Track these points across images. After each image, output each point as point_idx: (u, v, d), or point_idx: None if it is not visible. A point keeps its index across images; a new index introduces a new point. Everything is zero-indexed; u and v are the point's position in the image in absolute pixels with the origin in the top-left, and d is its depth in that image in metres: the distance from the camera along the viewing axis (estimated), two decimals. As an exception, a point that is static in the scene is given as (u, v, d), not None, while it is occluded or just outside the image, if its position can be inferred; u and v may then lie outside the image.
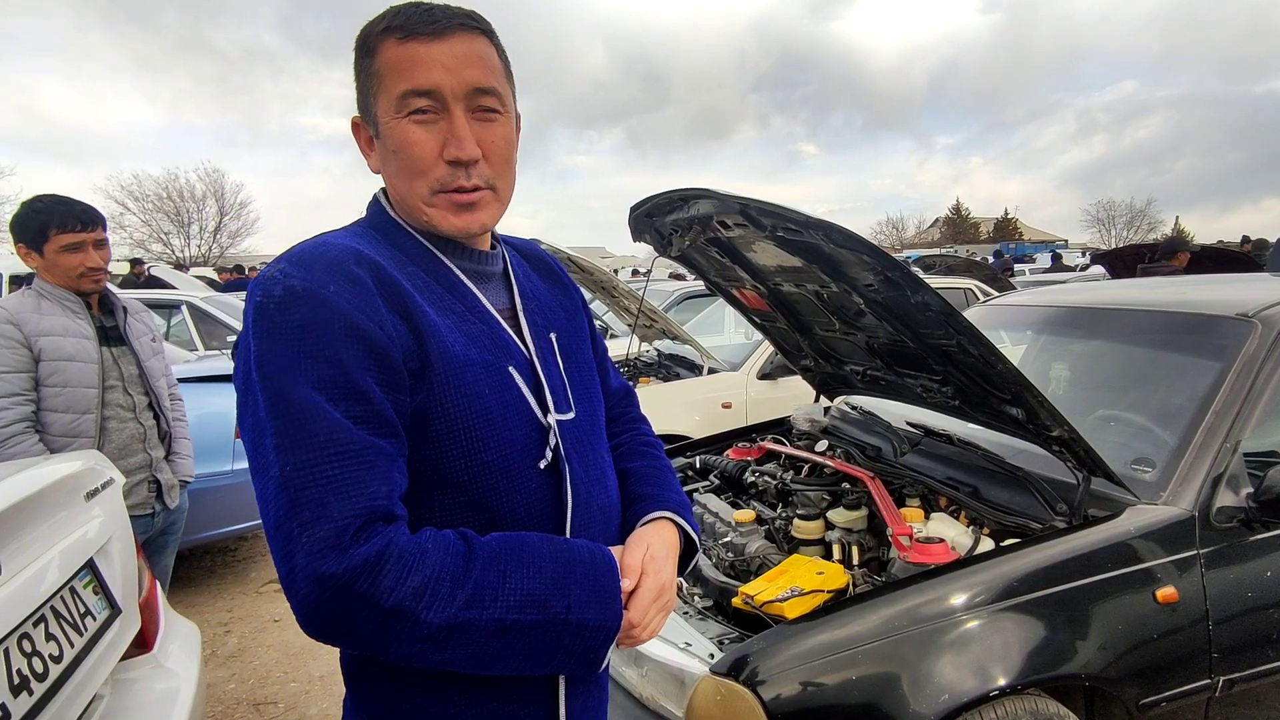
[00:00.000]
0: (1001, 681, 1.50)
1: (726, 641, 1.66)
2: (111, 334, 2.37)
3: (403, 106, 0.88)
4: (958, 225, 56.73)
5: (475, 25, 0.91)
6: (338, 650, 0.93)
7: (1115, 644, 1.61)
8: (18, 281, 6.07)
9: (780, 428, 3.03)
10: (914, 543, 1.81)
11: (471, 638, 0.79)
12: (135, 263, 11.97)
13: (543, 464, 0.93)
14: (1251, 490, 1.79)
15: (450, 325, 0.91)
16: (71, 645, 1.49)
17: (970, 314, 3.05)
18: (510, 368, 0.94)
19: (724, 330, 6.54)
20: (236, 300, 7.34)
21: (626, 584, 0.91)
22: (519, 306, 1.02)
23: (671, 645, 1.66)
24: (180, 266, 23.00)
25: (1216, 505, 1.77)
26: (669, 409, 4.52)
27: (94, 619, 1.62)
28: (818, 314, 2.46)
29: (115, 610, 1.71)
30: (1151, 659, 1.64)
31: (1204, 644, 1.68)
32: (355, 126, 0.97)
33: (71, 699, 1.43)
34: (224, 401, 3.73)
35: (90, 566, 1.67)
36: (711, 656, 1.59)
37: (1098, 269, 11.62)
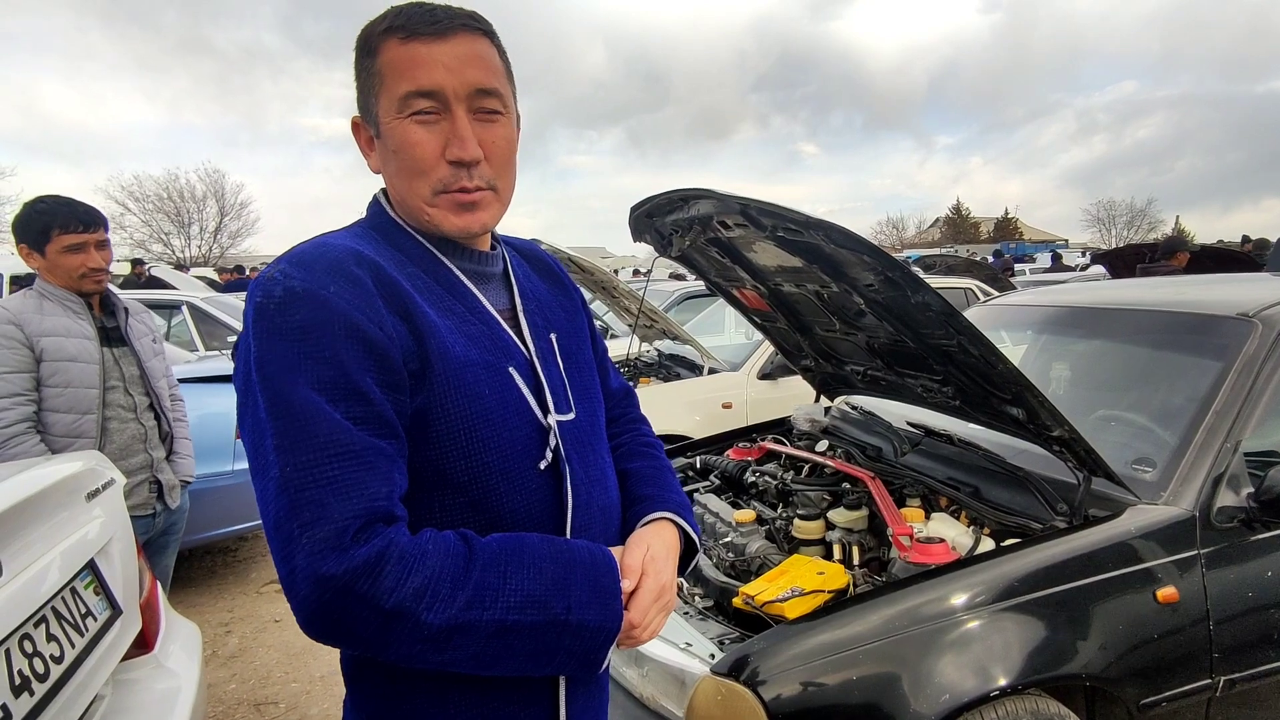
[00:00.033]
0: (1002, 681, 1.50)
1: (727, 641, 1.66)
2: (113, 335, 2.38)
3: (405, 107, 0.88)
4: (958, 225, 56.70)
5: (477, 26, 0.92)
6: (338, 651, 0.93)
7: (1116, 644, 1.61)
8: (18, 282, 6.08)
9: (780, 428, 3.03)
10: (914, 543, 1.81)
11: (472, 639, 0.79)
12: (136, 263, 11.99)
13: (543, 465, 0.93)
14: (1252, 490, 1.79)
15: (450, 326, 0.91)
16: (72, 646, 1.49)
17: (970, 314, 3.05)
18: (510, 368, 0.94)
19: (724, 330, 6.54)
20: (237, 301, 7.33)
21: (627, 585, 0.91)
22: (519, 307, 1.02)
23: (672, 645, 1.66)
24: (180, 267, 23.01)
25: (1217, 505, 1.77)
26: (669, 409, 4.52)
27: (95, 619, 1.62)
28: (818, 314, 2.46)
29: (116, 611, 1.71)
30: (1152, 659, 1.64)
31: (1205, 644, 1.68)
32: (355, 126, 0.97)
33: (73, 699, 1.43)
34: (224, 402, 3.73)
35: (91, 567, 1.67)
36: (712, 656, 1.59)
37: (1098, 269, 11.63)
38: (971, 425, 2.25)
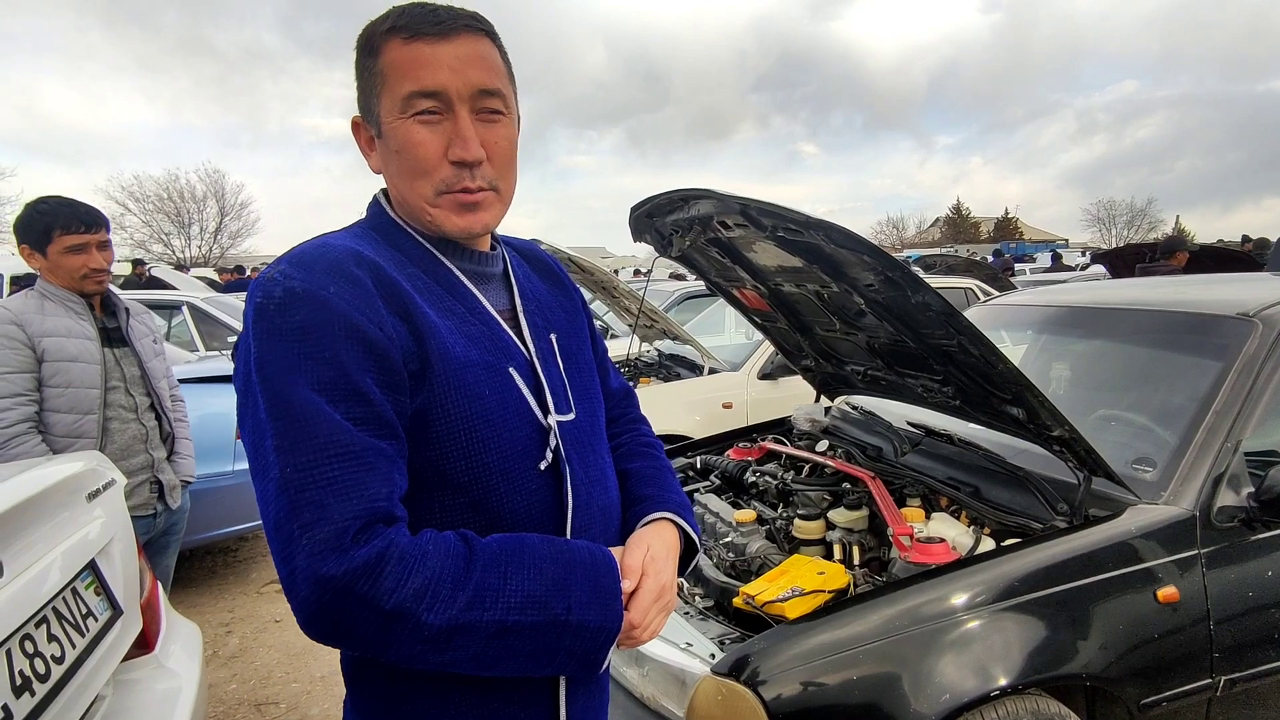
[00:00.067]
0: (1002, 681, 1.50)
1: (727, 641, 1.66)
2: (114, 335, 2.38)
3: (407, 107, 0.88)
4: (958, 225, 56.68)
5: (479, 26, 0.92)
6: (338, 651, 0.93)
7: (1116, 644, 1.61)
8: (19, 283, 6.08)
9: (781, 428, 3.03)
10: (915, 543, 1.81)
11: (472, 639, 0.79)
12: (137, 264, 12.00)
13: (543, 465, 0.93)
14: (1252, 490, 1.79)
15: (450, 326, 0.91)
16: (73, 646, 1.49)
17: (970, 314, 3.05)
18: (510, 369, 0.94)
19: (724, 330, 6.54)
20: (237, 301, 7.34)
21: (627, 585, 0.91)
22: (519, 307, 1.02)
23: (672, 645, 1.67)
24: (181, 267, 23.01)
25: (1217, 505, 1.77)
26: (669, 409, 4.52)
27: (96, 620, 1.62)
28: (818, 314, 2.46)
29: (117, 611, 1.71)
30: (1153, 659, 1.64)
31: (1205, 644, 1.68)
32: (356, 126, 0.97)
33: (73, 700, 1.43)
34: (225, 402, 3.73)
35: (92, 567, 1.67)
36: (712, 656, 1.59)
37: (1098, 268, 11.63)
38: (972, 425, 2.25)
